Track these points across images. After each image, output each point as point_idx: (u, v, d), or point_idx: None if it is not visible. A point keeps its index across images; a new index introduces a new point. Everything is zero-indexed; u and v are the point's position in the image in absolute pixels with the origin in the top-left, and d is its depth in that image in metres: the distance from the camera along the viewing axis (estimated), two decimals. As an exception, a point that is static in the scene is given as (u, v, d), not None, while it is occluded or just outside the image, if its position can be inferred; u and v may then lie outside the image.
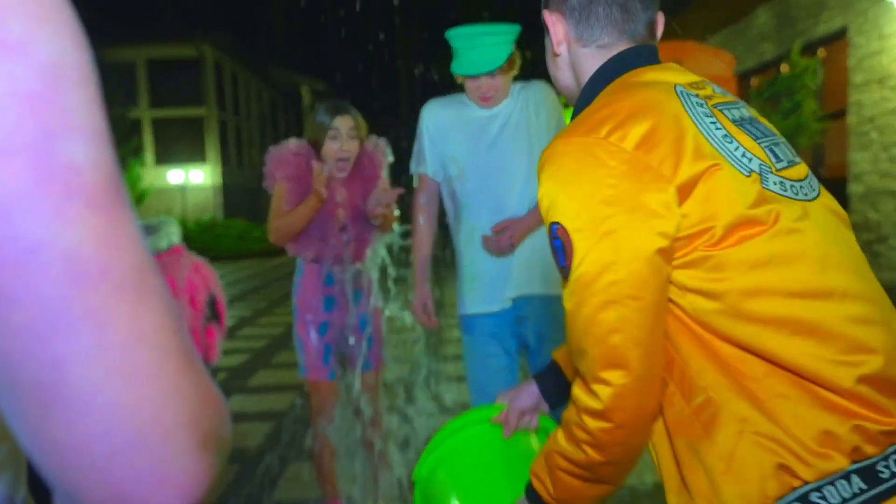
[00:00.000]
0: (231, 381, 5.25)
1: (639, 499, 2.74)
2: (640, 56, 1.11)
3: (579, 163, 0.95)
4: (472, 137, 2.38)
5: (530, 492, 1.12)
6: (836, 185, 7.52)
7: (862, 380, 0.90)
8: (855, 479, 0.89)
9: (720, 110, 1.03)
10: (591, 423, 0.96)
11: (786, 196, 0.98)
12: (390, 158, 2.74)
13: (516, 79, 2.41)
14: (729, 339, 0.92)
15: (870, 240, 7.36)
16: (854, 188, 7.68)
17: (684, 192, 0.92)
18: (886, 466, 0.90)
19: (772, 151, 1.03)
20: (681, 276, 0.94)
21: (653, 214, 0.91)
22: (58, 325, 0.32)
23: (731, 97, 1.10)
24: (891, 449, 0.91)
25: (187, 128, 23.32)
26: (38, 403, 0.33)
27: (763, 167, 0.98)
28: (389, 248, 2.79)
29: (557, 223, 0.95)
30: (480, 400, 2.41)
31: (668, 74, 1.08)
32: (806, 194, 1.01)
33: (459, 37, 2.26)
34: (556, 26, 1.15)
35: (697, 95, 1.04)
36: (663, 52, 1.16)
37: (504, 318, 2.40)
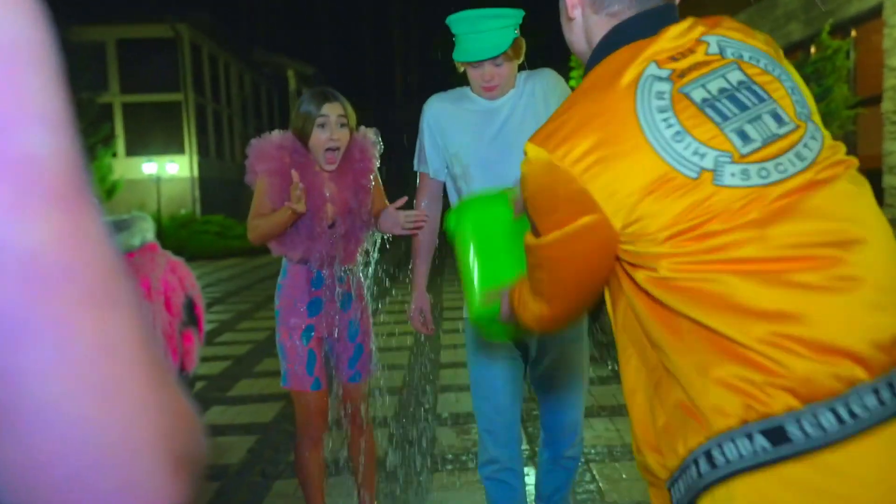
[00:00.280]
0: (210, 391, 5.26)
1: None
2: (643, 26, 1.16)
3: (536, 184, 1.19)
4: (474, 133, 2.38)
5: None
6: (870, 178, 7.36)
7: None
8: (758, 438, 0.96)
9: (689, 92, 1.07)
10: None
11: (747, 185, 1.02)
12: (381, 148, 2.75)
13: (521, 68, 2.41)
14: (666, 305, 1.08)
15: (906, 237, 7.34)
16: (889, 180, 7.68)
17: (627, 223, 1.07)
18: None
19: (741, 134, 1.05)
20: (633, 271, 1.11)
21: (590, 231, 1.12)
22: (14, 334, 0.31)
23: (727, 59, 1.12)
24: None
25: (162, 114, 23.24)
26: None
27: (720, 159, 1.03)
28: (382, 243, 2.80)
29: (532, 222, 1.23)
30: (484, 403, 2.44)
31: (657, 45, 1.12)
32: (784, 170, 1.04)
33: (460, 21, 2.26)
34: None
35: (668, 77, 1.08)
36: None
37: None
